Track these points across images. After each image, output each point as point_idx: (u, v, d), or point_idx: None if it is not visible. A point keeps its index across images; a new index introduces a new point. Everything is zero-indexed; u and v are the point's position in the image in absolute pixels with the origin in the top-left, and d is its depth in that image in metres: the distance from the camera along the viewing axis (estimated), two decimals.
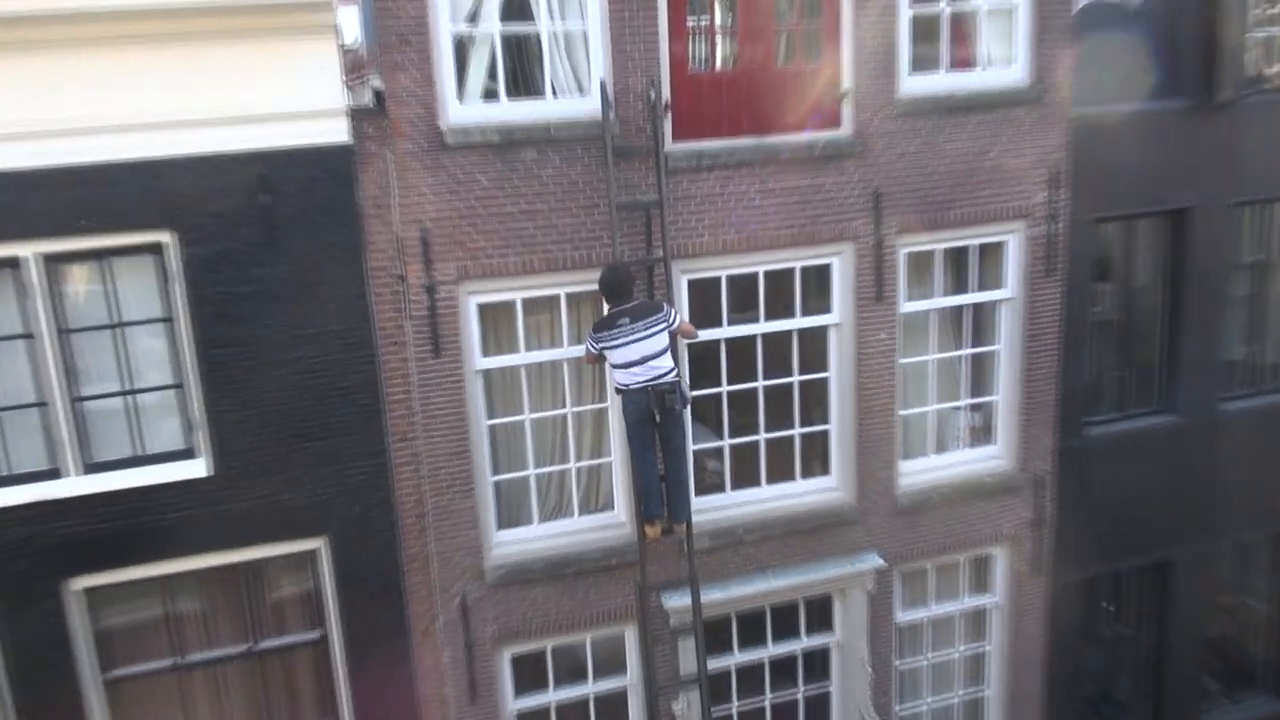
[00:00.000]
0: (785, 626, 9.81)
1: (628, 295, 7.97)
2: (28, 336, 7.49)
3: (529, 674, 9.23)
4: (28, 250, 7.31)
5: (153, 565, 7.95)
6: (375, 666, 8.57)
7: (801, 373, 9.32)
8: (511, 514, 8.97)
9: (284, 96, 7.49)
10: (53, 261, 7.41)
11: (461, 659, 8.78)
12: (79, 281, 7.61)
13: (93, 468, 7.77)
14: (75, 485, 7.69)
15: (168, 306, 7.67)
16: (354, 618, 8.44)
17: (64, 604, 7.81)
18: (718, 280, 8.84)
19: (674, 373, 7.97)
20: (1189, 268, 10.40)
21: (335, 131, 7.66)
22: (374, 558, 8.38)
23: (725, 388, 9.13)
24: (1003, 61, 9.24)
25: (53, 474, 7.69)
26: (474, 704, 8.91)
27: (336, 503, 8.18)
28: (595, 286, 8.14)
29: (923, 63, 8.99)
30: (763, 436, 9.36)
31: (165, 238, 7.49)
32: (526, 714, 9.28)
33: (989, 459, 10.12)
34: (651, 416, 7.94)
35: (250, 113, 7.42)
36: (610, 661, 9.43)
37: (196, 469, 7.87)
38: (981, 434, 10.18)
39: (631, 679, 9.46)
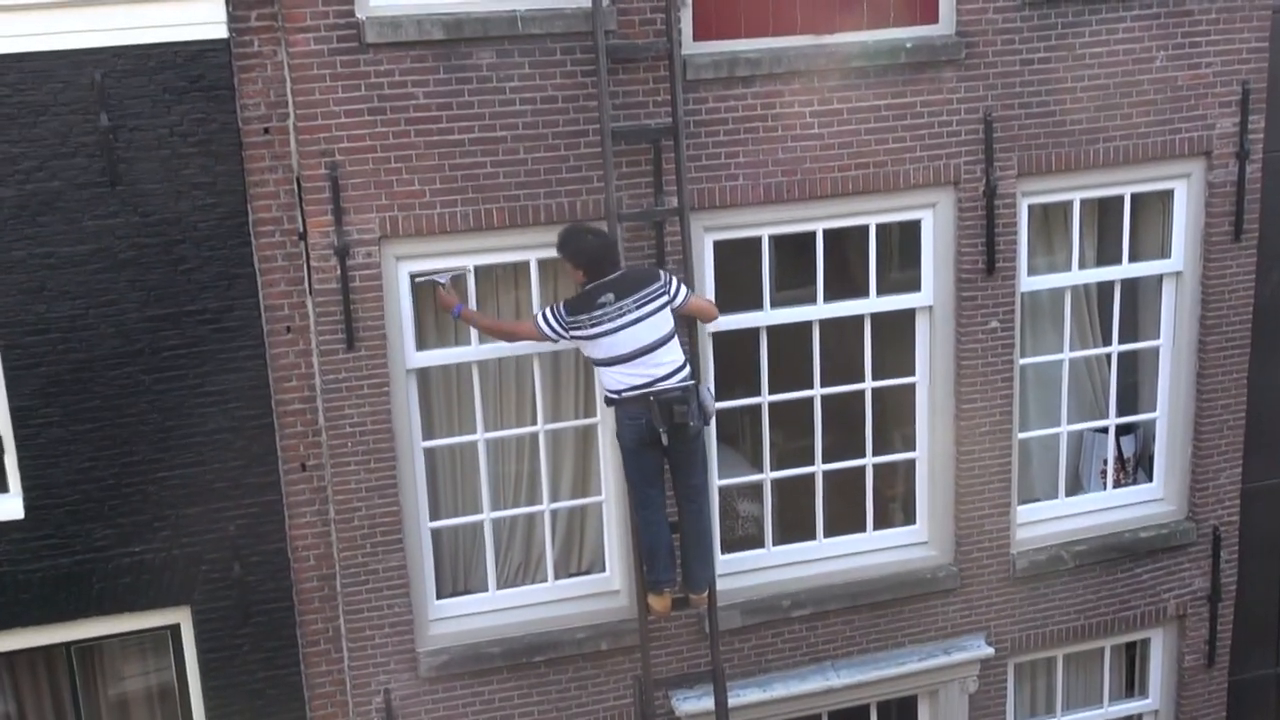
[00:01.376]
0: None
1: (607, 264, 7.81)
2: None
3: None
4: None
5: None
6: None
7: (877, 377, 9.25)
8: (458, 576, 9.00)
9: None
10: None
11: None
12: None
13: None
14: None
15: None
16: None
17: None
18: (757, 241, 8.76)
19: (687, 373, 7.83)
20: None
21: (204, 21, 7.63)
22: (258, 639, 8.39)
23: (766, 398, 9.08)
24: None
25: None
26: None
27: (205, 559, 8.20)
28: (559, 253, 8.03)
29: None
30: (819, 468, 9.31)
31: None
32: None
33: (1145, 502, 10.08)
34: (657, 439, 7.82)
35: None
36: None
37: (8, 509, 7.88)
38: (1134, 468, 10.14)
39: None
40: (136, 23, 7.46)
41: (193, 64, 7.63)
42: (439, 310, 8.34)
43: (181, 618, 8.27)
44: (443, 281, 8.14)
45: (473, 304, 8.36)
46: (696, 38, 8.35)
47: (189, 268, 7.83)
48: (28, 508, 7.82)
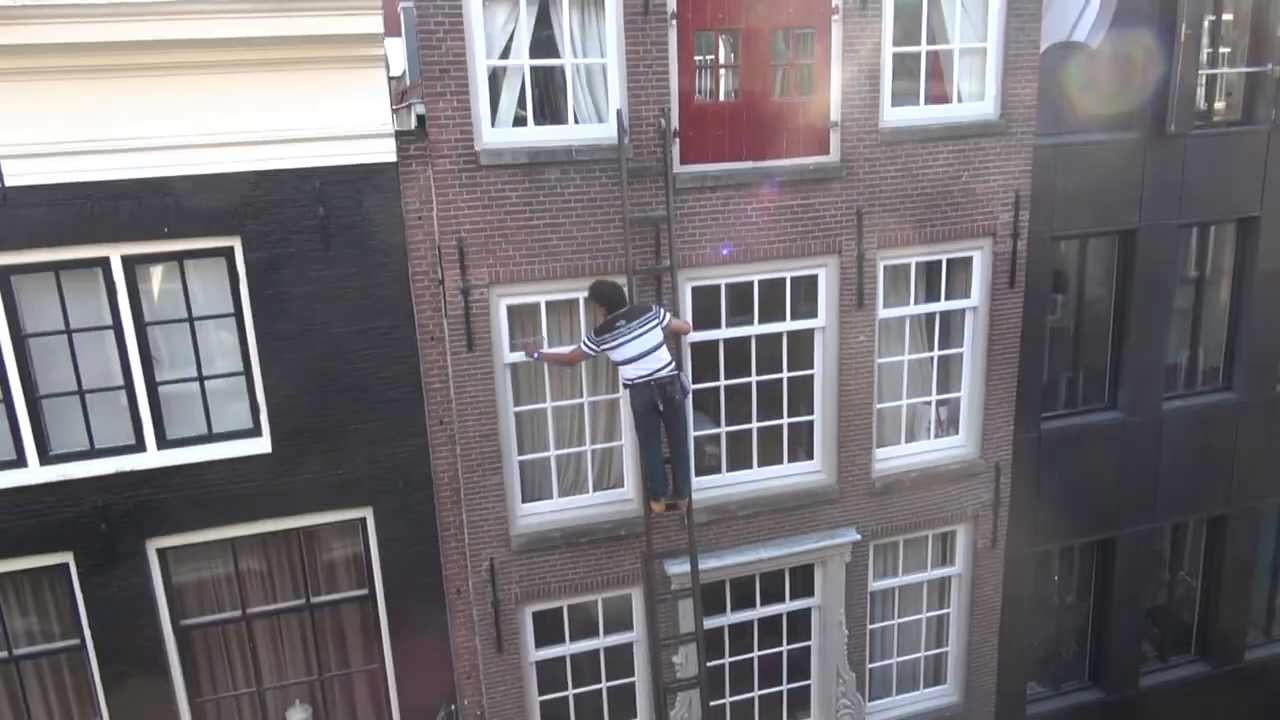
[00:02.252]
0: (772, 591, 9.72)
1: (620, 302, 7.89)
2: (112, 328, 7.47)
3: (548, 629, 9.17)
4: (112, 251, 7.29)
5: (220, 529, 7.94)
6: (414, 621, 8.54)
7: (790, 369, 9.21)
8: (534, 489, 8.89)
9: (339, 119, 7.42)
10: (134, 262, 7.39)
11: (489, 615, 8.74)
12: (157, 280, 7.57)
13: (169, 444, 7.75)
14: (154, 458, 7.68)
15: (235, 303, 7.62)
16: (396, 578, 8.40)
17: (144, 562, 7.81)
18: (718, 287, 8.74)
19: (673, 366, 7.90)
20: (1136, 281, 10.23)
21: (382, 151, 7.59)
22: (413, 526, 8.33)
23: (723, 382, 9.04)
24: (974, 96, 9.10)
25: (134, 449, 7.68)
26: (500, 654, 8.88)
27: (381, 478, 8.13)
28: (607, 295, 8.00)
29: (903, 96, 8.85)
30: (755, 425, 9.26)
31: (233, 243, 7.45)
32: (545, 663, 9.23)
33: (954, 448, 10.00)
34: (656, 406, 7.88)
35: (308, 134, 7.36)
36: (619, 619, 9.37)
37: (259, 446, 7.85)
38: (948, 426, 10.04)
39: (637, 635, 9.40)
40: (342, 152, 7.45)
41: (376, 176, 7.60)
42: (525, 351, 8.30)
43: (367, 513, 8.23)
44: (534, 356, 8.16)
45: (543, 323, 8.40)
46: (682, 162, 8.33)
47: (372, 300, 7.79)
48: (273, 445, 7.84)
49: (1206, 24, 10.03)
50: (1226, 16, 10.26)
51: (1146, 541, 11.15)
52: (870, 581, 10.02)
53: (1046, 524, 10.48)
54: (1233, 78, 10.46)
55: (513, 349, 8.32)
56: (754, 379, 9.11)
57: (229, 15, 6.92)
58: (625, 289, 8.02)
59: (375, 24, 7.24)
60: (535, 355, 8.18)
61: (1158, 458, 10.75)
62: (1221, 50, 10.37)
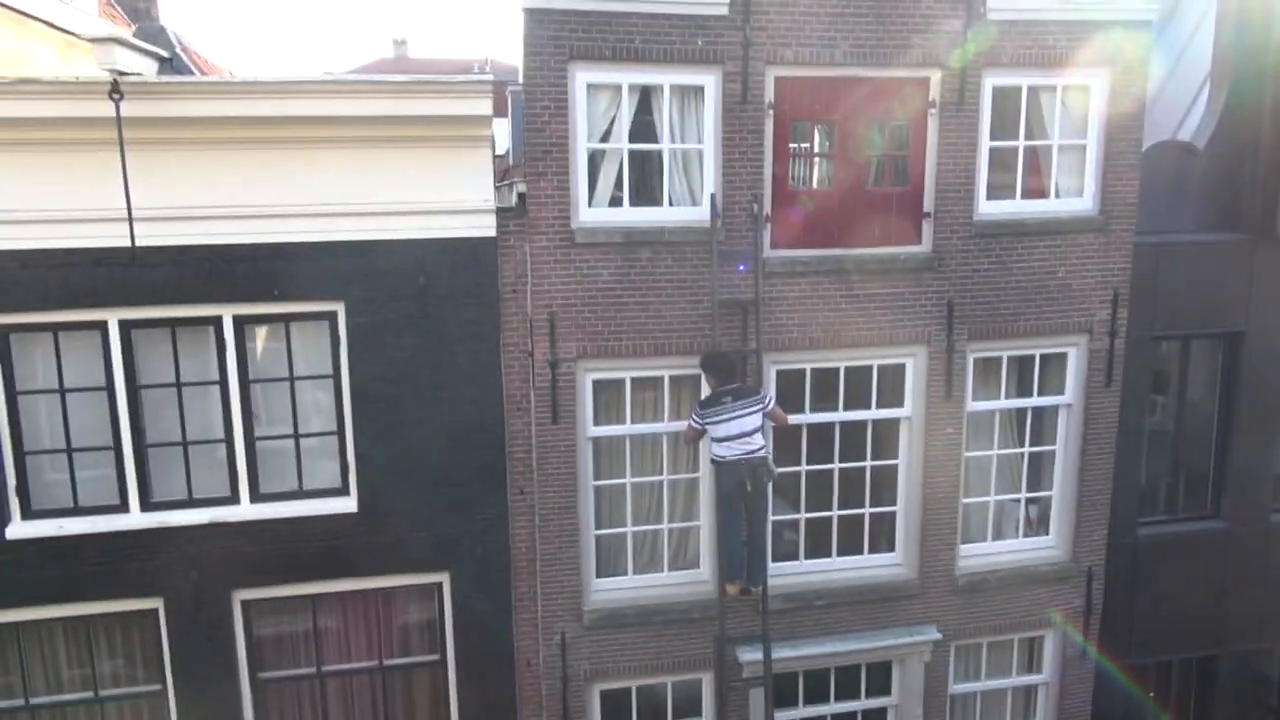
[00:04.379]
0: (847, 687, 9.45)
1: (732, 377, 7.98)
2: (218, 383, 7.84)
3: (616, 709, 9.06)
4: (225, 311, 7.70)
5: (303, 585, 8.13)
6: (483, 690, 8.55)
7: (874, 458, 9.11)
8: (609, 564, 8.89)
9: (444, 195, 7.77)
10: (244, 322, 7.78)
11: (558, 690, 8.71)
12: (263, 339, 7.95)
13: (262, 498, 8.03)
14: (247, 511, 7.97)
15: (334, 365, 7.94)
16: (468, 645, 8.46)
17: (229, 612, 8.05)
18: (803, 371, 8.76)
19: (765, 449, 7.92)
20: (1243, 385, 9.89)
21: (483, 226, 7.89)
22: (489, 594, 8.40)
23: (804, 467, 8.99)
24: (1073, 191, 9.05)
25: (229, 500, 7.98)
26: None
27: (461, 543, 8.24)
28: (697, 369, 8.17)
29: (999, 189, 8.86)
30: (836, 513, 9.15)
31: (337, 307, 7.79)
32: None
33: (1044, 549, 9.69)
34: (744, 487, 7.86)
35: (415, 207, 7.71)
36: (688, 704, 9.21)
37: (347, 505, 8.06)
38: (1038, 525, 9.75)
39: None
40: (446, 226, 7.76)
41: (475, 250, 7.88)
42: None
43: (445, 578, 8.32)
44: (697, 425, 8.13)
45: (627, 399, 8.53)
46: (772, 247, 8.45)
47: (463, 369, 7.99)
48: (359, 505, 8.02)
49: None
50: None
51: (1252, 663, 10.54)
52: (950, 683, 9.68)
53: (1141, 636, 10.01)
54: None
55: (601, 429, 8.43)
56: (836, 466, 9.02)
57: (354, 96, 7.39)
58: (737, 365, 8.08)
59: (485, 106, 7.61)
60: (692, 438, 8.20)
61: (1266, 572, 10.22)
62: None
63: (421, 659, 8.57)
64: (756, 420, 7.83)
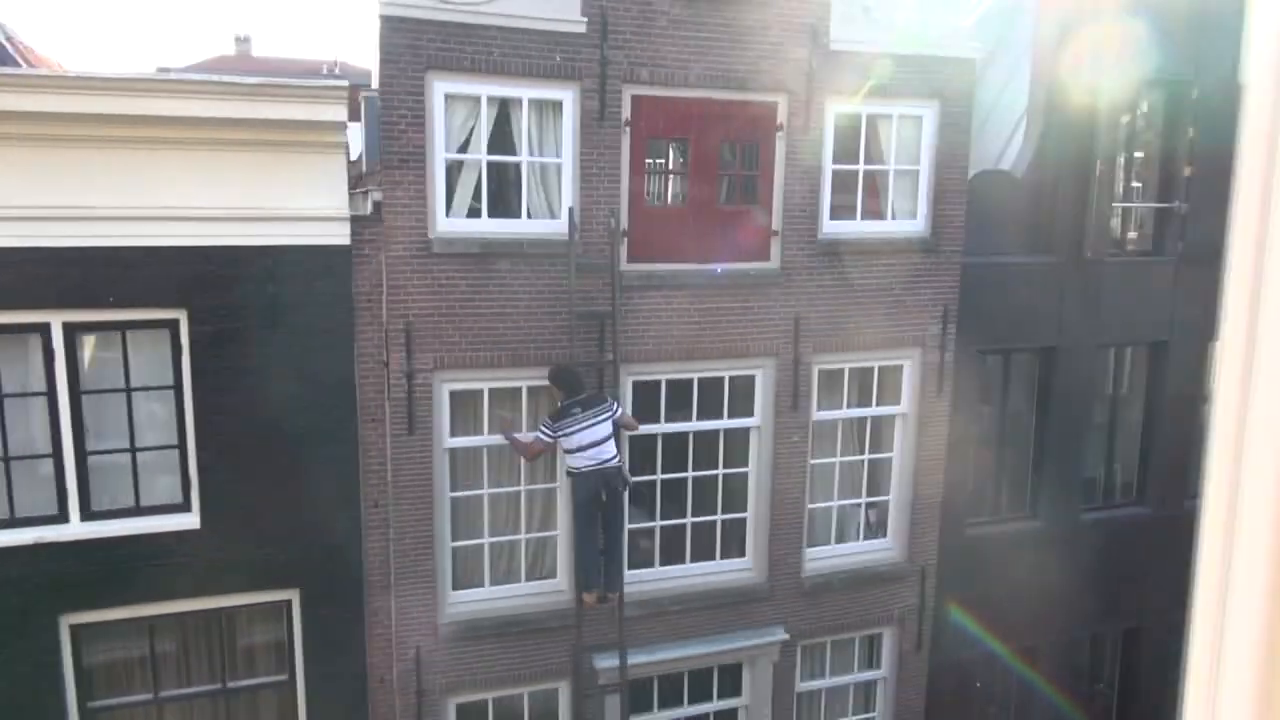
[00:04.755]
0: (700, 689, 9.69)
1: (579, 389, 8.09)
2: (45, 394, 7.37)
3: None
4: (54, 318, 7.25)
5: (140, 606, 7.72)
6: (334, 710, 8.32)
7: (725, 466, 9.39)
8: (466, 576, 8.83)
9: (295, 201, 7.57)
10: (75, 330, 7.35)
11: (412, 706, 8.56)
12: (96, 349, 7.53)
13: (93, 515, 7.59)
14: (77, 530, 7.51)
15: (175, 375, 7.60)
16: (318, 664, 8.22)
17: (56, 639, 7.55)
18: (659, 383, 8.96)
19: (618, 459, 8.06)
20: (1055, 397, 10.75)
21: (337, 234, 7.73)
22: (340, 610, 8.20)
23: (659, 476, 9.18)
24: (907, 214, 9.63)
25: (57, 519, 7.50)
26: None
27: (311, 559, 8.01)
28: (563, 383, 8.21)
29: (840, 210, 9.34)
30: (689, 520, 9.37)
31: (179, 315, 7.47)
32: None
33: (882, 550, 10.20)
34: (599, 497, 8.00)
35: (264, 213, 7.48)
36: (544, 715, 9.22)
37: (189, 521, 7.72)
38: (877, 528, 10.27)
39: None
40: (297, 233, 7.57)
41: (328, 258, 7.71)
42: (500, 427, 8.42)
43: (293, 595, 8.09)
44: (505, 437, 8.29)
45: (484, 410, 8.52)
46: (629, 260, 8.60)
47: (315, 380, 7.79)
48: (202, 521, 7.71)
49: (1121, 160, 10.83)
50: (1138, 154, 11.10)
51: (1066, 650, 11.41)
52: (797, 682, 10.06)
53: (969, 630, 10.68)
54: (1144, 211, 11.25)
55: (491, 427, 8.41)
56: (690, 474, 9.26)
57: (198, 96, 7.12)
58: (583, 378, 8.18)
59: (340, 112, 7.48)
60: (506, 436, 8.23)
61: (1077, 567, 11.11)
62: (1134, 185, 11.18)
63: (268, 679, 8.27)
64: (607, 429, 7.97)
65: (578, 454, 7.95)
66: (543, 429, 8.05)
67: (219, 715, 8.20)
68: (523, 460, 8.65)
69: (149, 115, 7.04)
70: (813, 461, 9.65)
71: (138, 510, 7.67)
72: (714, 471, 9.36)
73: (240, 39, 28.82)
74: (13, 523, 7.40)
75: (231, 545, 7.76)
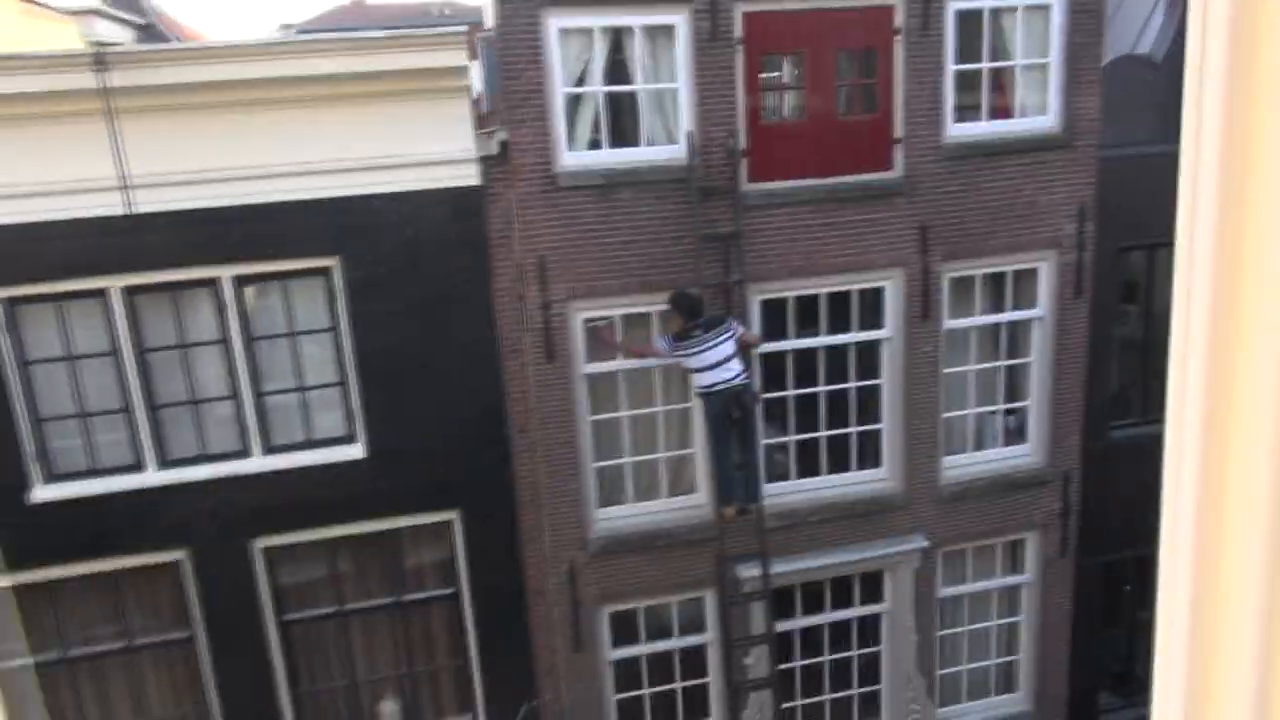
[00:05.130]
0: (842, 597, 9.90)
1: (698, 313, 8.24)
2: (221, 342, 8.07)
3: (624, 629, 9.49)
4: (224, 272, 7.90)
5: (319, 530, 8.45)
6: (497, 619, 8.96)
7: (858, 379, 9.42)
8: (610, 495, 9.20)
9: (426, 146, 7.92)
10: (242, 282, 7.99)
11: (568, 615, 9.11)
12: (263, 298, 8.17)
13: (273, 449, 8.31)
14: (260, 464, 8.25)
15: (332, 319, 8.18)
16: (480, 578, 8.83)
17: (249, 560, 8.38)
18: (786, 300, 9.01)
19: (745, 375, 8.21)
20: None
21: (467, 176, 8.07)
22: (497, 528, 8.75)
23: (792, 391, 9.29)
24: (1037, 110, 9.25)
25: (241, 454, 8.27)
26: (578, 653, 9.24)
27: (468, 482, 8.56)
28: (683, 305, 8.36)
29: (966, 112, 9.05)
30: (824, 434, 9.48)
31: (331, 263, 8.00)
32: (621, 662, 9.56)
33: (1022, 456, 10.07)
34: (730, 413, 8.19)
35: (398, 161, 7.87)
36: (692, 621, 9.66)
37: (355, 452, 8.35)
38: (1016, 435, 10.13)
39: (710, 636, 9.67)
40: (429, 178, 7.93)
41: (461, 199, 8.06)
42: (602, 346, 8.67)
43: (454, 516, 8.66)
44: (612, 342, 8.52)
45: (618, 336, 8.77)
46: (750, 180, 8.61)
47: (459, 316, 8.24)
48: (367, 452, 8.32)
49: None
50: None
51: None
52: (939, 588, 10.14)
53: (1116, 533, 10.48)
54: None
55: (589, 338, 8.63)
56: (822, 389, 9.33)
57: (331, 53, 7.52)
58: (703, 301, 8.35)
59: (460, 58, 7.76)
60: (613, 341, 8.51)
61: None
62: None
63: (437, 593, 8.94)
64: (729, 348, 8.10)
65: (704, 373, 8.15)
66: (664, 342, 8.27)
67: (395, 625, 8.96)
68: (656, 383, 8.91)
69: (290, 76, 7.48)
70: (946, 370, 9.55)
71: (310, 444, 8.35)
72: (845, 385, 9.40)
73: None
74: (206, 458, 8.20)
75: (395, 472, 8.35)
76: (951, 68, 8.84)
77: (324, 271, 8.06)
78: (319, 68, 7.50)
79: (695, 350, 8.11)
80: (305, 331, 8.21)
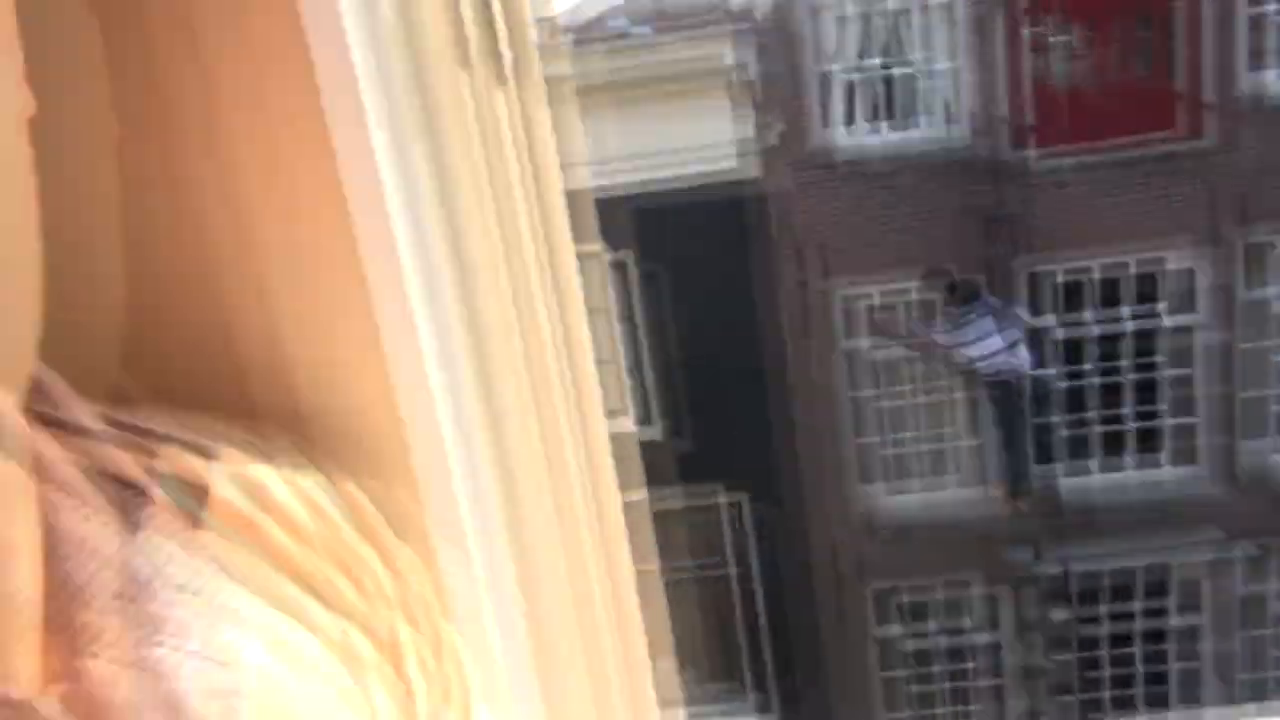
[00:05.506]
0: (1146, 595, 9.18)
1: (973, 294, 7.97)
2: None
3: (898, 613, 9.30)
4: None
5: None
6: (783, 597, 9.08)
7: (1165, 367, 8.69)
8: (890, 478, 9.06)
9: (706, 138, 8.08)
10: None
11: (855, 596, 9.11)
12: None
13: None
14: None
15: (626, 306, 8.59)
16: (767, 556, 9.00)
17: None
18: (1079, 282, 8.52)
19: (1026, 360, 7.86)
20: None
21: (746, 167, 8.22)
22: (781, 509, 8.87)
23: (1094, 380, 8.69)
24: None
25: None
26: (865, 638, 9.21)
27: (755, 463, 8.69)
28: (954, 286, 8.16)
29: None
30: (1131, 426, 8.80)
31: (626, 256, 8.40)
32: (900, 651, 9.38)
33: None
34: (1013, 399, 7.90)
35: (681, 154, 8.09)
36: (982, 613, 9.30)
37: (653, 433, 8.61)
38: None
39: (1002, 633, 9.28)
40: (712, 169, 8.06)
41: (744, 187, 8.20)
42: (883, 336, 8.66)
43: (742, 497, 8.90)
44: (891, 335, 8.48)
45: (899, 317, 8.69)
46: (1034, 153, 8.23)
47: (742, 300, 8.42)
48: (663, 433, 8.66)
49: None
50: None
51: None
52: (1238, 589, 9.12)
53: None
54: None
55: (871, 330, 8.63)
56: (1124, 378, 8.69)
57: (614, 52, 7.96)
58: (978, 282, 8.11)
59: (736, 51, 7.99)
60: (892, 334, 8.45)
61: None
62: None
63: (725, 571, 9.18)
64: (1013, 332, 7.81)
65: (983, 356, 7.89)
66: (937, 326, 8.08)
67: (687, 596, 9.29)
68: (932, 362, 8.69)
69: (575, 73, 7.98)
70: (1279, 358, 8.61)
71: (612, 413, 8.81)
72: (1150, 374, 8.71)
73: None
74: None
75: (686, 453, 8.60)
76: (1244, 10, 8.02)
77: (619, 265, 8.54)
78: (607, 64, 7.98)
79: (972, 335, 7.88)
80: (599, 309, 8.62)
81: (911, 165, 8.24)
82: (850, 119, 8.36)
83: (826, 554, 9.04)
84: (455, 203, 0.61)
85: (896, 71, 8.31)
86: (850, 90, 8.32)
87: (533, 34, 0.76)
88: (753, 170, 8.31)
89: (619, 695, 0.74)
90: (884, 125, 8.37)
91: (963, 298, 8.02)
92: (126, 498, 0.36)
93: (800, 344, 8.68)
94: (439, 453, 0.53)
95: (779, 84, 8.23)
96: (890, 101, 8.41)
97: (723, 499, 8.97)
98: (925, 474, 9.11)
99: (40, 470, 0.33)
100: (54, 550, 0.32)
